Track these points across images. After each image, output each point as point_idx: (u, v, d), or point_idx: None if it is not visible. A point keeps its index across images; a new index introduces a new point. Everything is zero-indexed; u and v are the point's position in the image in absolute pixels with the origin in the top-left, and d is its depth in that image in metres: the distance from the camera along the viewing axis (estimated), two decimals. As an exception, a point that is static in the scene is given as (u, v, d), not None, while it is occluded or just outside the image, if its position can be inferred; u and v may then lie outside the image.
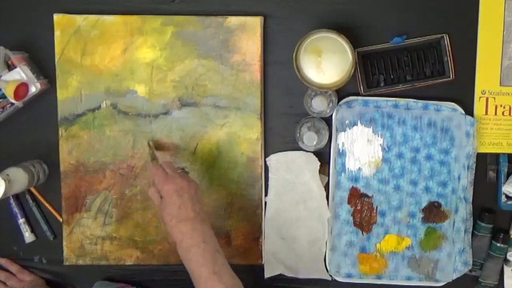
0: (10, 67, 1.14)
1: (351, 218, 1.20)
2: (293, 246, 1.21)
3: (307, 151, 1.19)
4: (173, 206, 1.03)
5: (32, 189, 1.21)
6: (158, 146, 1.18)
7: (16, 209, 1.21)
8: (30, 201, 1.22)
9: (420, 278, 1.21)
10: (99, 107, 1.19)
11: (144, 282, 1.23)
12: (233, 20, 1.17)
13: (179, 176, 1.06)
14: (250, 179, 1.20)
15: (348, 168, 1.19)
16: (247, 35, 1.17)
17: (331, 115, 1.18)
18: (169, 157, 1.18)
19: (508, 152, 1.21)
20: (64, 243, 1.20)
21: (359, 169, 1.19)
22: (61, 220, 1.21)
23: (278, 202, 1.20)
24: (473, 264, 1.21)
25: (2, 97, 1.14)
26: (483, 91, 1.20)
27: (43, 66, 1.19)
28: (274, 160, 1.20)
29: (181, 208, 1.03)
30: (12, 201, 1.21)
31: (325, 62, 1.09)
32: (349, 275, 1.21)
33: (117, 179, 1.20)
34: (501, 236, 1.20)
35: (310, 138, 1.14)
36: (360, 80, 1.18)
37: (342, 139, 1.19)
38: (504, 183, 1.20)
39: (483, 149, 1.21)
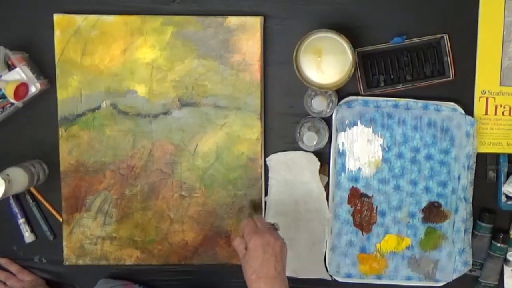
0: (10, 67, 1.13)
1: (351, 218, 1.20)
2: (293, 246, 1.21)
3: (307, 151, 1.19)
4: (256, 260, 1.02)
5: (32, 189, 1.21)
6: (257, 208, 1.20)
7: (16, 209, 1.21)
8: (30, 201, 1.22)
9: (420, 278, 1.21)
10: (99, 107, 1.19)
11: (147, 282, 1.23)
12: (233, 20, 1.17)
13: (268, 231, 1.06)
14: (250, 179, 1.20)
15: (348, 168, 1.19)
16: (247, 35, 1.17)
17: (331, 115, 1.18)
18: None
19: (508, 152, 1.21)
20: (64, 243, 1.20)
21: (359, 169, 1.19)
22: (61, 220, 1.21)
23: (278, 202, 1.20)
24: (473, 264, 1.21)
25: (2, 97, 1.13)
26: (483, 91, 1.20)
27: (43, 66, 1.18)
28: (274, 160, 1.20)
29: (263, 263, 1.02)
30: (12, 201, 1.21)
31: (325, 62, 1.09)
32: (349, 275, 1.21)
33: (117, 179, 1.20)
34: (501, 236, 1.20)
35: (310, 138, 1.14)
36: (360, 80, 1.18)
37: (342, 139, 1.19)
38: (504, 183, 1.20)
39: (483, 149, 1.21)
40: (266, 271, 1.01)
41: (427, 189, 1.19)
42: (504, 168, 1.20)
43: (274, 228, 1.09)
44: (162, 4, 1.18)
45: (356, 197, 1.20)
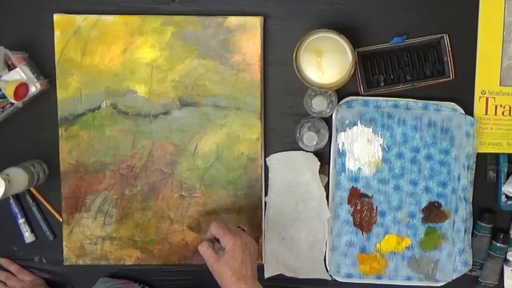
0: (10, 67, 1.13)
1: (351, 218, 1.20)
2: (293, 246, 1.21)
3: (307, 151, 1.19)
4: (236, 261, 1.02)
5: (32, 189, 1.21)
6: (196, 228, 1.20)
7: (16, 209, 1.21)
8: (30, 201, 1.22)
9: (420, 278, 1.21)
10: (99, 107, 1.19)
11: (144, 282, 1.23)
12: (233, 20, 1.17)
13: (242, 232, 1.07)
14: (250, 179, 1.20)
15: (348, 168, 1.19)
16: (247, 35, 1.17)
17: (331, 115, 1.18)
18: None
19: (508, 152, 1.21)
20: (64, 243, 1.20)
21: (359, 169, 1.19)
22: (61, 220, 1.21)
23: (278, 202, 1.20)
24: (473, 264, 1.21)
25: (2, 97, 1.13)
26: (483, 91, 1.20)
27: (43, 66, 1.18)
28: (274, 160, 1.20)
29: (242, 264, 1.02)
30: (12, 201, 1.21)
31: (325, 62, 1.09)
32: (349, 275, 1.21)
33: (117, 179, 1.20)
34: (501, 236, 1.20)
35: (310, 138, 1.14)
36: (360, 80, 1.18)
37: (342, 139, 1.19)
38: (504, 183, 1.20)
39: (483, 149, 1.21)
40: (245, 272, 1.02)
41: (427, 189, 1.19)
42: (504, 168, 1.20)
43: (242, 229, 1.09)
44: (162, 4, 1.19)
45: (356, 197, 1.20)
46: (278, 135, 1.21)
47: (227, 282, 1.02)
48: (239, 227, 1.11)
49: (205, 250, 1.05)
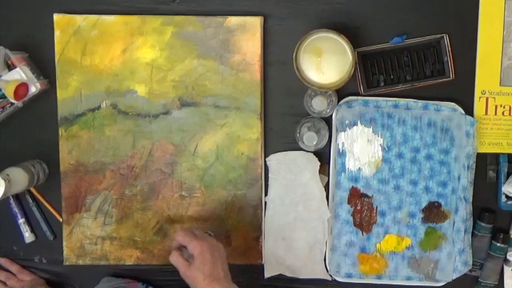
0: (10, 67, 1.13)
1: (351, 218, 1.20)
2: (293, 246, 1.21)
3: (307, 151, 1.19)
4: (206, 264, 1.03)
5: (32, 189, 1.21)
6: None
7: (16, 209, 1.21)
8: (30, 201, 1.22)
9: (420, 278, 1.21)
10: (99, 107, 1.19)
11: (144, 282, 1.23)
12: (233, 20, 1.17)
13: (207, 236, 1.08)
14: (250, 179, 1.20)
15: (348, 168, 1.19)
16: (247, 35, 1.17)
17: (331, 115, 1.18)
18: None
19: (508, 152, 1.21)
20: (64, 243, 1.20)
21: (359, 169, 1.19)
22: (61, 220, 1.21)
23: (278, 202, 1.20)
24: (473, 264, 1.21)
25: (2, 97, 1.13)
26: (483, 91, 1.20)
27: (43, 66, 1.18)
28: (274, 160, 1.20)
29: (213, 267, 1.03)
30: (12, 201, 1.21)
31: (325, 62, 1.09)
32: (349, 275, 1.21)
33: (117, 179, 1.20)
34: (501, 236, 1.20)
35: (310, 138, 1.14)
36: (360, 80, 1.18)
37: (342, 139, 1.19)
38: (504, 183, 1.20)
39: (483, 149, 1.21)
40: (217, 273, 1.03)
41: (427, 189, 1.19)
42: (504, 168, 1.20)
43: (209, 234, 1.10)
44: (162, 4, 1.19)
45: (356, 197, 1.20)
46: (278, 135, 1.20)
47: (201, 285, 1.03)
48: (206, 232, 1.11)
49: (175, 259, 1.06)
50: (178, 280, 1.22)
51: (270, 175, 1.20)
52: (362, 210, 1.20)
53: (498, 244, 1.20)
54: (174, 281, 1.23)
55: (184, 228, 1.09)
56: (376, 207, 1.20)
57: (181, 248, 1.08)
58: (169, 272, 1.23)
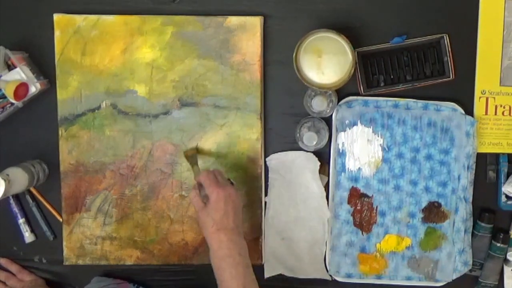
0: (10, 67, 1.13)
1: (351, 218, 1.20)
2: (293, 246, 1.21)
3: (307, 151, 1.19)
4: (217, 212, 1.04)
5: (32, 189, 1.21)
6: (201, 151, 1.19)
7: (16, 209, 1.21)
8: (30, 201, 1.22)
9: (420, 278, 1.21)
10: (99, 107, 1.19)
11: (144, 282, 1.23)
12: (233, 20, 1.17)
13: (229, 184, 1.08)
14: (250, 179, 1.20)
15: (348, 168, 1.19)
16: (247, 35, 1.17)
17: (331, 115, 1.18)
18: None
19: (508, 152, 1.21)
20: (64, 243, 1.20)
21: (359, 169, 1.19)
22: (61, 220, 1.21)
23: (278, 202, 1.20)
24: (473, 264, 1.21)
25: (2, 97, 1.13)
26: (483, 91, 1.20)
27: (43, 66, 1.19)
28: (274, 160, 1.20)
29: (224, 216, 1.04)
30: (12, 201, 1.21)
31: (325, 62, 1.09)
32: (349, 275, 1.21)
33: (117, 179, 1.20)
34: (501, 236, 1.20)
35: (310, 138, 1.14)
36: (360, 80, 1.18)
37: (342, 139, 1.19)
38: (504, 183, 1.20)
39: (483, 149, 1.21)
40: (226, 223, 1.04)
41: (427, 189, 1.19)
42: (504, 168, 1.20)
43: (231, 182, 1.09)
44: (162, 4, 1.19)
45: (356, 197, 1.20)
46: (278, 135, 1.21)
47: (208, 232, 1.04)
48: (229, 180, 1.11)
49: (192, 197, 1.08)
50: (178, 280, 1.23)
51: (270, 175, 1.20)
52: (362, 210, 1.20)
53: (498, 244, 1.20)
54: (174, 281, 1.23)
55: (209, 171, 1.09)
56: (376, 207, 1.20)
57: (200, 187, 1.09)
58: (169, 272, 1.23)
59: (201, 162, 1.19)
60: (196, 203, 1.07)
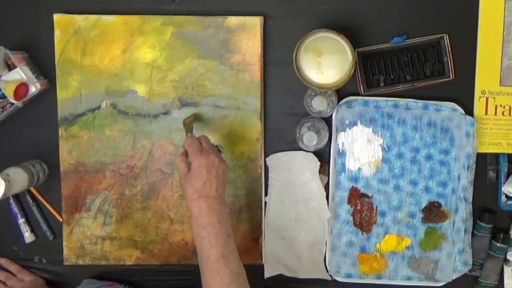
0: (10, 67, 1.13)
1: (351, 218, 1.20)
2: (293, 246, 1.21)
3: (307, 151, 1.19)
4: (199, 180, 1.03)
5: (32, 189, 1.21)
6: (200, 119, 1.18)
7: (16, 209, 1.21)
8: (30, 201, 1.22)
9: (420, 278, 1.21)
10: (99, 107, 1.19)
11: (144, 282, 1.23)
12: (233, 20, 1.17)
13: (213, 152, 1.06)
14: (250, 179, 1.20)
15: (348, 168, 1.19)
16: (247, 35, 1.17)
17: (331, 115, 1.18)
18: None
19: (508, 152, 1.21)
20: (64, 243, 1.20)
21: (359, 169, 1.19)
22: (61, 220, 1.21)
23: (278, 202, 1.20)
24: (473, 264, 1.21)
25: (2, 97, 1.13)
26: (483, 91, 1.20)
27: (43, 66, 1.19)
28: (274, 160, 1.20)
29: (206, 184, 1.03)
30: (12, 201, 1.21)
31: (325, 62, 1.09)
32: (349, 275, 1.21)
33: (117, 179, 1.20)
34: (501, 236, 1.20)
35: (310, 138, 1.14)
36: (360, 80, 1.18)
37: (342, 139, 1.19)
38: (504, 183, 1.20)
39: (483, 149, 1.21)
40: (208, 191, 1.03)
41: (427, 189, 1.19)
42: (504, 168, 1.20)
43: (218, 149, 1.08)
44: (162, 4, 1.19)
45: (356, 197, 1.20)
46: (278, 135, 1.21)
47: (188, 199, 1.03)
48: (216, 147, 1.09)
49: (178, 164, 1.06)
50: (178, 280, 1.23)
51: (270, 175, 1.20)
52: (362, 210, 1.20)
53: (498, 244, 1.20)
54: (174, 281, 1.23)
55: (194, 138, 1.08)
56: (376, 207, 1.20)
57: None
58: (169, 272, 1.23)
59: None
60: (181, 170, 1.05)
